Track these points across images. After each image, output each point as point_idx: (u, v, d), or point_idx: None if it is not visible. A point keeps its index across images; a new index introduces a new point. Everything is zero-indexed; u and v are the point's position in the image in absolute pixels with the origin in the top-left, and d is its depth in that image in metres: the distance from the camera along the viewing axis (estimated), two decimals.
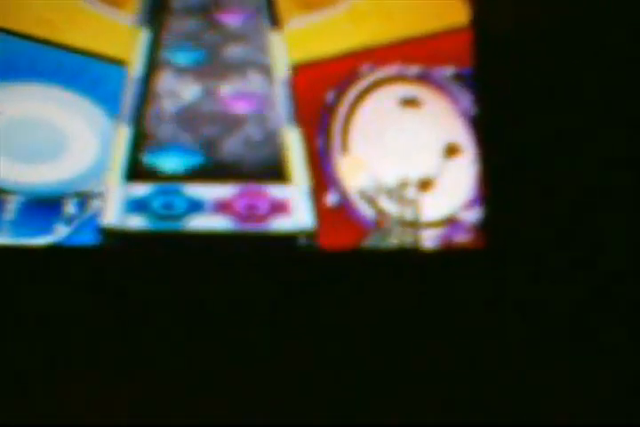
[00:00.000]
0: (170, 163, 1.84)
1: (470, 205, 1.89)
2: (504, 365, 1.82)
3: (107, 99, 1.87)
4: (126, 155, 1.85)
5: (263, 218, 1.85)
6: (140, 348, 1.80)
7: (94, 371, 1.77)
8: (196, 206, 1.84)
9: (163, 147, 1.86)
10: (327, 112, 1.90)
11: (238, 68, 1.91)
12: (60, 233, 1.82)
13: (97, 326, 1.81)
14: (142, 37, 1.91)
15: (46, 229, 1.82)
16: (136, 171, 1.85)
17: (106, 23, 1.89)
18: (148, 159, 1.86)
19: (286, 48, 1.91)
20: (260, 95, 1.90)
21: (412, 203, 1.88)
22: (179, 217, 1.84)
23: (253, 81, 1.90)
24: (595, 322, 1.85)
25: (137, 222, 1.83)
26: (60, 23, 1.88)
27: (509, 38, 1.94)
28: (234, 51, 1.91)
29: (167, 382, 1.78)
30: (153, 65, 1.90)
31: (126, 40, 1.90)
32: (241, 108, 1.89)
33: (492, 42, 1.94)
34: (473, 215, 1.88)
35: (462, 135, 1.92)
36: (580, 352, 1.83)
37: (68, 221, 1.82)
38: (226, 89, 1.89)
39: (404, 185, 1.88)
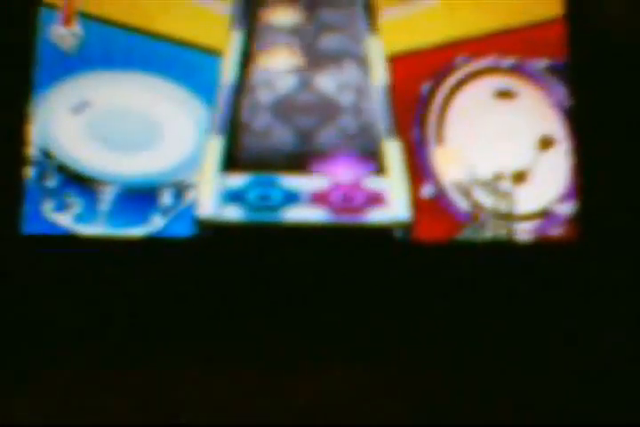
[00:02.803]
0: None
1: (564, 197, 1.88)
2: (599, 358, 1.82)
3: (202, 88, 1.86)
4: (222, 145, 1.84)
5: (359, 210, 1.84)
6: (235, 338, 1.80)
7: (194, 364, 1.77)
8: (292, 198, 1.84)
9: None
10: (422, 103, 1.89)
11: (333, 58, 1.89)
12: (155, 224, 1.81)
13: (190, 318, 1.81)
14: (237, 27, 1.89)
15: (142, 220, 1.81)
16: (232, 161, 1.84)
17: (200, 12, 1.88)
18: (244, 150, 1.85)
19: (382, 39, 1.89)
20: (355, 86, 1.89)
21: (507, 195, 1.87)
22: (275, 208, 1.83)
23: (349, 72, 1.89)
24: None
25: (233, 214, 1.83)
26: (154, 12, 1.87)
27: (604, 30, 1.93)
28: (329, 41, 1.90)
29: (264, 374, 1.77)
30: (248, 55, 1.88)
31: (221, 29, 1.88)
32: (337, 98, 1.87)
33: (586, 34, 1.93)
34: (567, 208, 1.88)
35: (556, 127, 1.91)
36: None
37: (164, 211, 1.81)
38: (321, 79, 1.88)
39: (498, 177, 1.88)
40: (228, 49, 1.88)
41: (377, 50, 1.89)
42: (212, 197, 1.83)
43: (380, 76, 1.89)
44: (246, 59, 1.88)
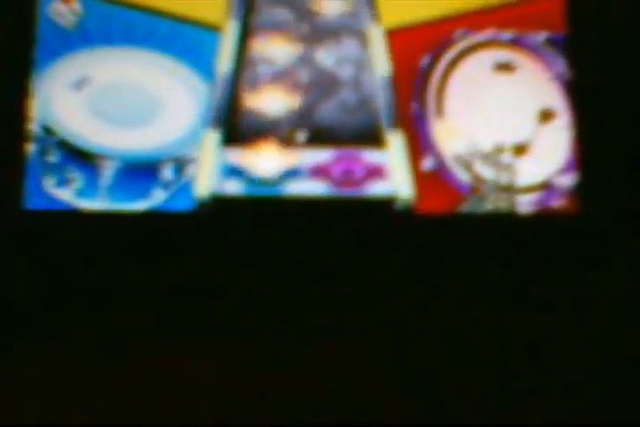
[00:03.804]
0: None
1: (565, 170, 1.88)
2: (602, 333, 1.81)
3: (202, 64, 1.86)
4: (222, 119, 1.84)
5: (359, 183, 1.84)
6: (234, 315, 1.80)
7: (192, 337, 1.77)
8: (292, 172, 1.84)
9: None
10: (422, 77, 1.89)
11: (332, 32, 1.90)
12: (156, 198, 1.81)
13: (191, 293, 1.81)
14: (235, 2, 1.89)
15: (143, 195, 1.81)
16: (232, 135, 1.84)
17: None
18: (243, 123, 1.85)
19: (381, 13, 1.90)
20: (354, 60, 1.89)
21: (508, 168, 1.87)
22: (275, 183, 1.83)
23: (348, 45, 1.89)
24: None
25: (233, 188, 1.83)
26: None
27: (603, 2, 1.93)
28: (327, 16, 1.90)
29: (265, 352, 1.77)
30: (247, 30, 1.88)
31: (219, 5, 1.89)
32: (336, 72, 1.87)
33: (585, 6, 1.92)
34: (568, 180, 1.87)
35: (557, 100, 1.91)
36: None
37: (165, 186, 1.82)
38: (321, 54, 1.88)
39: (499, 150, 1.87)
40: (227, 25, 1.88)
41: (376, 24, 1.90)
42: (213, 171, 1.83)
43: (379, 50, 1.89)
44: (245, 36, 1.88)
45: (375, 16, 1.90)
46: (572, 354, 1.79)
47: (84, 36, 1.86)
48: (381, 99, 1.86)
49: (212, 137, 1.84)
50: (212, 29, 1.87)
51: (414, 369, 1.78)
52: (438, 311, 1.83)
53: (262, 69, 1.88)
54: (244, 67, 1.87)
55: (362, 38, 1.90)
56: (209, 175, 1.83)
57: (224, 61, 1.87)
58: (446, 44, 1.90)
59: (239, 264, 1.81)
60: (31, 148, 1.82)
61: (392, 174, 1.85)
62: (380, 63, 1.87)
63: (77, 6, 1.87)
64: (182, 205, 1.82)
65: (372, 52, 1.88)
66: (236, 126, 1.85)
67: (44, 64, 1.85)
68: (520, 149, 1.88)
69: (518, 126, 1.88)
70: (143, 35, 1.86)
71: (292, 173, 1.84)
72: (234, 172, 1.83)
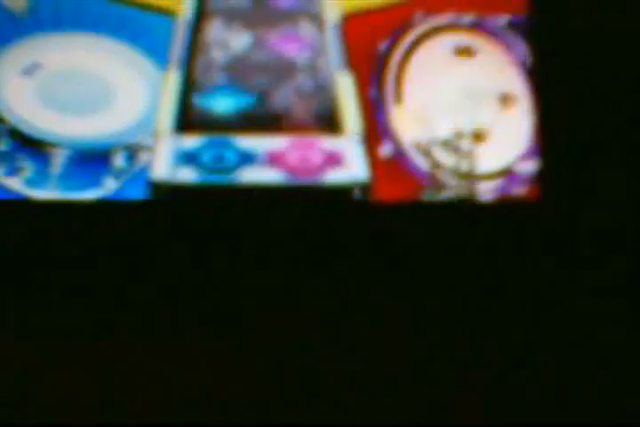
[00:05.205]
0: (221, 104, 1.79)
1: (526, 156, 1.85)
2: (564, 326, 1.78)
3: (155, 49, 1.83)
4: (175, 105, 1.81)
5: (316, 170, 1.81)
6: (193, 308, 1.77)
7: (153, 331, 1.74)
8: (247, 159, 1.80)
9: (213, 90, 1.81)
10: (380, 61, 1.85)
11: (288, 16, 1.86)
12: (109, 187, 1.78)
13: (149, 284, 1.77)
14: None
15: (95, 184, 1.78)
16: (185, 122, 1.81)
17: None
18: (198, 102, 1.81)
19: None
20: (310, 43, 1.85)
21: (468, 154, 1.84)
22: (230, 170, 1.80)
23: (304, 29, 1.85)
24: None
25: (187, 175, 1.79)
26: None
27: None
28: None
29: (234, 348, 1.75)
30: (201, 14, 1.85)
31: None
32: (291, 52, 1.83)
33: None
34: (529, 167, 1.84)
35: (517, 85, 1.87)
36: None
37: (117, 174, 1.78)
38: (276, 36, 1.85)
39: (458, 136, 1.84)
40: (180, 9, 1.84)
41: (332, 7, 1.86)
42: (166, 158, 1.79)
43: (334, 34, 1.85)
44: (200, 17, 1.85)
45: (333, 3, 1.86)
46: (536, 350, 1.77)
47: (34, 21, 1.82)
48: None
49: (165, 122, 1.80)
50: (165, 13, 1.83)
51: (375, 363, 1.75)
52: (398, 301, 1.80)
53: (217, 54, 1.84)
54: (198, 52, 1.83)
55: (318, 22, 1.86)
56: (162, 162, 1.79)
57: (178, 46, 1.83)
58: (405, 28, 1.87)
59: (193, 255, 1.77)
60: None
61: (349, 161, 1.81)
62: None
63: None
64: (135, 193, 1.78)
65: (327, 38, 1.85)
66: (189, 111, 1.81)
67: None
68: (480, 136, 1.84)
69: (478, 112, 1.85)
70: (94, 19, 1.82)
71: (247, 160, 1.80)
72: (187, 159, 1.79)
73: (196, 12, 1.85)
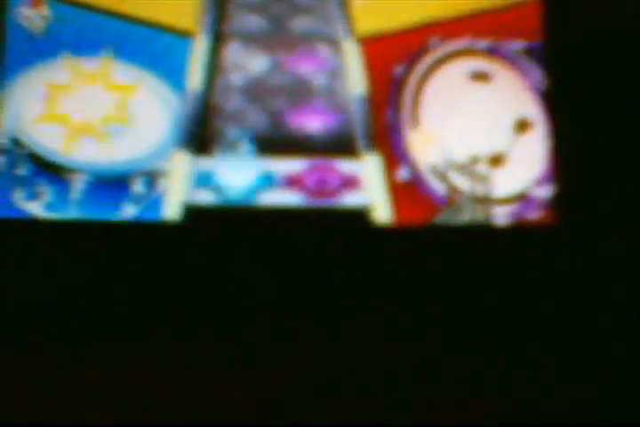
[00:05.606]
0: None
1: (542, 181, 1.86)
2: (577, 344, 1.80)
3: (172, 72, 1.83)
4: (194, 129, 1.81)
5: (333, 193, 1.82)
6: (213, 322, 1.77)
7: (164, 352, 1.74)
8: (265, 181, 1.81)
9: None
10: (397, 85, 1.87)
11: (305, 40, 1.87)
12: (128, 213, 1.78)
13: (168, 305, 1.78)
14: (207, 9, 1.86)
15: (114, 209, 1.78)
16: (204, 145, 1.81)
17: None
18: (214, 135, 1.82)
19: (354, 21, 1.87)
20: (328, 67, 1.86)
21: (484, 179, 1.85)
22: (249, 192, 1.80)
23: (321, 53, 1.86)
24: None
25: (206, 198, 1.80)
26: None
27: (580, 11, 1.91)
28: (300, 22, 1.87)
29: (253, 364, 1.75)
30: (219, 37, 1.85)
31: (191, 11, 1.85)
32: (309, 75, 1.84)
33: (562, 15, 1.91)
34: (545, 192, 1.86)
35: (533, 110, 1.89)
36: None
37: (136, 200, 1.78)
38: (294, 60, 1.86)
39: (475, 161, 1.85)
40: (198, 31, 1.85)
41: (349, 32, 1.87)
42: (185, 181, 1.80)
43: (353, 58, 1.86)
44: (217, 40, 1.85)
45: (349, 27, 1.87)
46: (549, 367, 1.78)
47: (53, 42, 1.82)
48: (356, 109, 1.84)
49: (185, 146, 1.81)
50: (183, 35, 1.84)
51: (391, 379, 1.76)
52: (414, 322, 1.81)
53: (235, 77, 1.85)
54: (216, 75, 1.84)
55: (335, 47, 1.87)
56: (181, 186, 1.79)
57: (196, 69, 1.84)
58: (421, 52, 1.88)
59: (211, 275, 1.78)
60: (0, 160, 1.78)
61: (367, 185, 1.82)
62: (355, 75, 1.85)
63: (46, 11, 1.83)
64: (155, 217, 1.79)
65: (346, 63, 1.86)
66: (208, 136, 1.82)
67: (14, 73, 1.81)
68: (496, 160, 1.86)
69: (494, 137, 1.86)
70: (113, 41, 1.82)
71: (265, 183, 1.81)
72: (206, 181, 1.80)
73: (213, 34, 1.85)
